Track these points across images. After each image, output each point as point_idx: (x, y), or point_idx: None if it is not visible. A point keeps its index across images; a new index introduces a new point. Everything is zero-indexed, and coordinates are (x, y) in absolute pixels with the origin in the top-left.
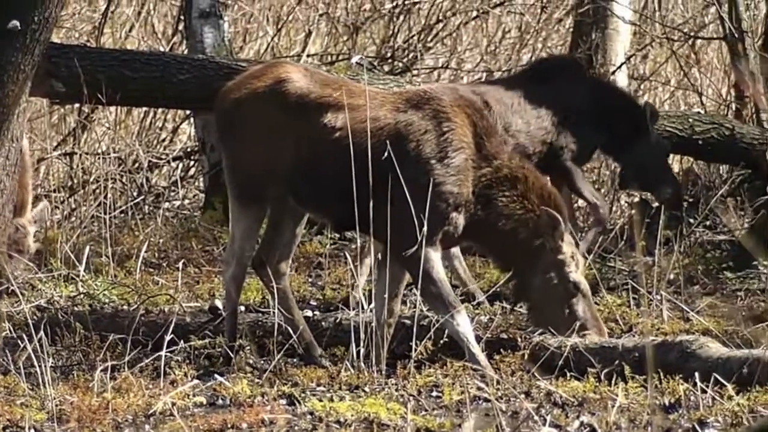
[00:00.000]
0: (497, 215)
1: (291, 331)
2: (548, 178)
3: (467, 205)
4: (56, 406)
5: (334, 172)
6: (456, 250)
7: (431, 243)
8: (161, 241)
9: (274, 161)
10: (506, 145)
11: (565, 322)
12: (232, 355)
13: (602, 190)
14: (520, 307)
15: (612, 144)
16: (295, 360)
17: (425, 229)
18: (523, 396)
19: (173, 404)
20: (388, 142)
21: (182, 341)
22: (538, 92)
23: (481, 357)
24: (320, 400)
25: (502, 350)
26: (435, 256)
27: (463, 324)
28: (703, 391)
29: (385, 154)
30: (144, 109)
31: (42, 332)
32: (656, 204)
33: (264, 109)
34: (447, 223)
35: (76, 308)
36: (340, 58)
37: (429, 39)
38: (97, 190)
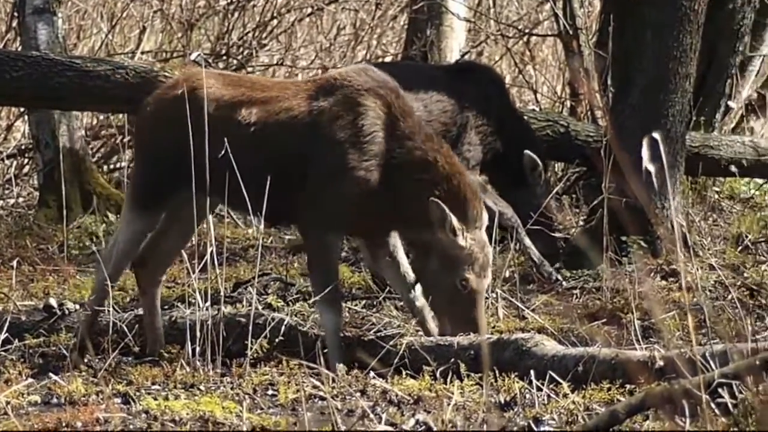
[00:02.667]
0: (405, 198)
1: (149, 341)
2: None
3: (379, 189)
4: None
5: (255, 167)
6: None
7: (337, 228)
8: None
9: (195, 166)
10: (424, 126)
11: (447, 314)
12: (87, 352)
13: None
14: (356, 304)
15: (495, 171)
16: (130, 358)
17: (332, 213)
18: (358, 394)
19: (7, 403)
20: (303, 130)
21: (17, 340)
22: (450, 88)
23: (340, 363)
24: (155, 399)
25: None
26: (337, 243)
27: (336, 322)
28: (539, 389)
29: (302, 142)
30: None
31: None
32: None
33: (181, 117)
34: (357, 208)
35: None
36: (175, 55)
37: (264, 36)
38: None
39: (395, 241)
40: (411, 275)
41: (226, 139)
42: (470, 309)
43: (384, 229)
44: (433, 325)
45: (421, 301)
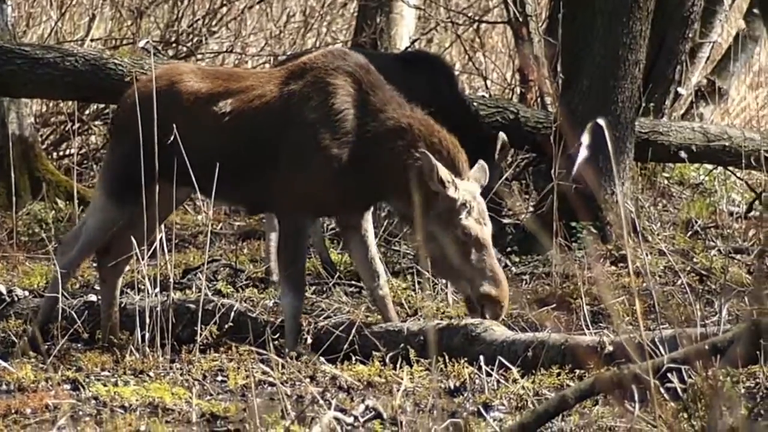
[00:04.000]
0: (385, 169)
1: (103, 329)
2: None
3: (356, 165)
4: None
5: (233, 157)
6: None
7: (311, 211)
8: None
9: (174, 158)
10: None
11: (460, 272)
12: (39, 345)
13: None
14: (306, 290)
15: None
16: (79, 345)
17: (306, 195)
18: (308, 380)
19: None
20: (276, 115)
21: None
22: (400, 77)
23: (293, 347)
24: (105, 385)
25: None
26: (309, 226)
27: (296, 307)
28: (488, 375)
29: (274, 126)
30: None
31: None
32: None
33: (161, 110)
34: (333, 188)
35: None
36: (125, 42)
37: (213, 23)
38: None
39: (368, 225)
40: (378, 263)
41: (205, 132)
42: (481, 259)
43: (363, 206)
44: (393, 314)
45: (384, 290)
